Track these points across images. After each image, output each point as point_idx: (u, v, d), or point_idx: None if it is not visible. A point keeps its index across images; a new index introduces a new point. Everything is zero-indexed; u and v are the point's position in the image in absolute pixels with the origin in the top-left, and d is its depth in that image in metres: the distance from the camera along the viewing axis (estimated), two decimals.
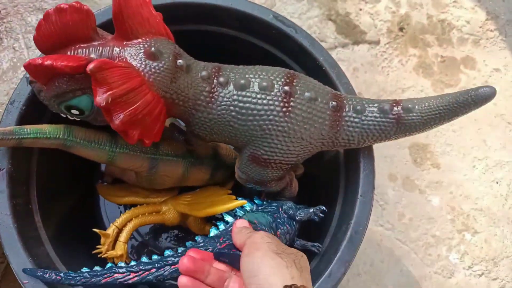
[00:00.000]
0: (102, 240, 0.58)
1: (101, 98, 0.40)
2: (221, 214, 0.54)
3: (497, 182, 0.77)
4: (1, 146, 0.50)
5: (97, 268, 0.50)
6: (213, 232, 0.52)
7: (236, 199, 0.57)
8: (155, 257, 0.50)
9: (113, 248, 0.59)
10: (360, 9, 0.84)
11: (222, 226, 0.52)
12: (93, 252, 0.58)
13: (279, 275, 0.34)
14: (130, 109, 0.43)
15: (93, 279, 0.49)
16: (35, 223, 0.54)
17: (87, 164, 0.69)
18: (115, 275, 0.49)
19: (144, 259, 0.50)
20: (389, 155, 0.78)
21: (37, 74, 0.43)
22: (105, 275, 0.49)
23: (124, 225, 0.60)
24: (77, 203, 0.67)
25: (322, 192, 0.64)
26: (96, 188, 0.69)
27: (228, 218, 0.53)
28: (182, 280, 0.41)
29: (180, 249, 0.51)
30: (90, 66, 0.39)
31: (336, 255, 0.50)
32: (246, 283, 0.37)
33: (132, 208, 0.62)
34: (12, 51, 0.79)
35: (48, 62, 0.41)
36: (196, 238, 0.51)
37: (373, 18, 0.84)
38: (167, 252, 0.50)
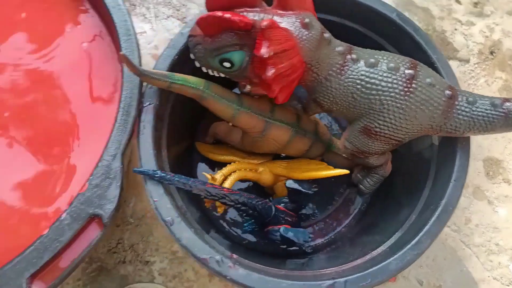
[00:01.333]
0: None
1: (265, 50, 0.48)
2: None
3: None
4: (156, 86, 0.58)
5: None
6: None
7: None
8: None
9: None
10: (456, 29, 0.91)
11: None
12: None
13: None
14: (281, 65, 0.51)
15: (196, 183, 0.57)
16: (162, 157, 0.62)
17: (196, 122, 0.78)
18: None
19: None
20: None
21: (210, 26, 0.52)
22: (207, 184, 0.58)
23: (229, 174, 0.68)
24: (183, 154, 0.75)
25: (407, 176, 0.69)
26: (196, 145, 0.77)
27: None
28: None
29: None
30: (265, 22, 0.48)
31: (424, 228, 0.55)
32: None
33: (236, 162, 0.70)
34: (141, 18, 0.90)
35: (227, 16, 0.49)
36: None
37: (467, 39, 0.91)
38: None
